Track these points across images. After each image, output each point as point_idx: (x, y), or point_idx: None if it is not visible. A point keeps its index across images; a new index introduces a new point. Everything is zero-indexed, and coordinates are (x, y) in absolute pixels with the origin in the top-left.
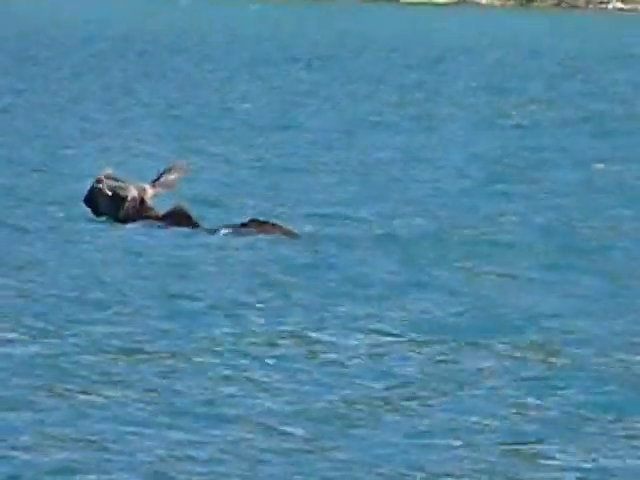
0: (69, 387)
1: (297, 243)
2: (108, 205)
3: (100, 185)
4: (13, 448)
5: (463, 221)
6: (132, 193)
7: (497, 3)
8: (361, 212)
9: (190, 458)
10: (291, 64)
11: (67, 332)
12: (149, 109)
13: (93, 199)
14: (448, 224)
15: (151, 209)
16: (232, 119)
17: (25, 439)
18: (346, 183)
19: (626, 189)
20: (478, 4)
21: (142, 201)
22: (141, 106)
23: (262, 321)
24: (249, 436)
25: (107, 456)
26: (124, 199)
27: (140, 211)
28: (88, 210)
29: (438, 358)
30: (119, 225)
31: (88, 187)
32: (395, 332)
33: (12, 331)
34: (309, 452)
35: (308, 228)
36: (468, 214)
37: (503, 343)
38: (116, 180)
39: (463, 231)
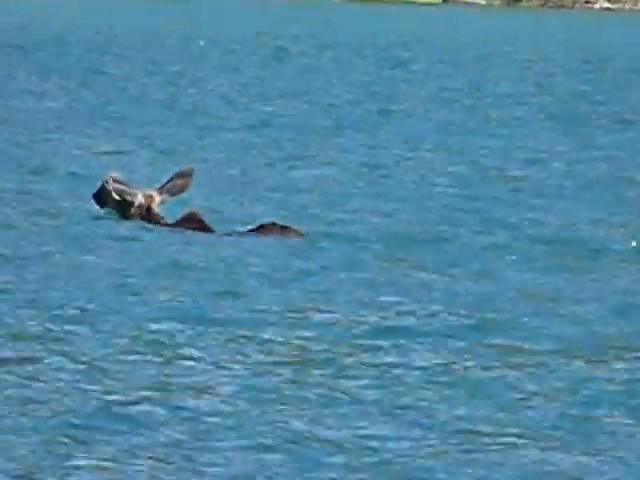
0: (91, 388)
1: (308, 245)
2: (115, 208)
3: (108, 187)
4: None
5: (459, 223)
6: (139, 199)
7: (483, 2)
8: (362, 212)
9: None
10: (268, 60)
11: (79, 337)
12: (140, 109)
13: (102, 199)
14: (445, 226)
15: (158, 216)
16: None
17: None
18: (343, 183)
19: (612, 188)
20: (464, 3)
21: (149, 208)
22: (133, 103)
23: (274, 328)
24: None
25: (159, 465)
26: (131, 205)
27: (146, 218)
28: (95, 209)
29: (440, 361)
30: (132, 227)
31: (97, 187)
32: (407, 336)
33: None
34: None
35: (317, 229)
36: (460, 216)
37: (502, 346)
38: (123, 184)
39: (460, 233)
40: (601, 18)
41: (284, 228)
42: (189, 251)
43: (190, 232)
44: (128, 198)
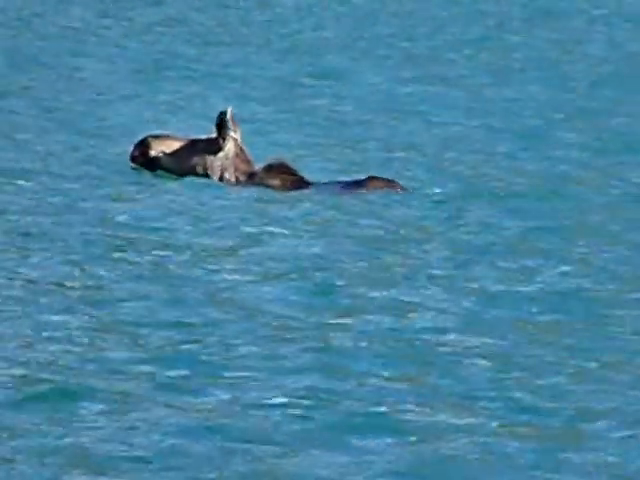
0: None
1: (410, 199)
2: (204, 150)
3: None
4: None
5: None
6: (236, 136)
7: None
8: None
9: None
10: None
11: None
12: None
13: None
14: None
15: (249, 157)
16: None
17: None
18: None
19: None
20: None
21: (242, 150)
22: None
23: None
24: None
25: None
26: (229, 140)
27: (241, 159)
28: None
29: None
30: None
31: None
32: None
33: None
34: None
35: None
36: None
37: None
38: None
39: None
40: None
41: (391, 182)
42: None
43: (281, 184)
44: (232, 134)
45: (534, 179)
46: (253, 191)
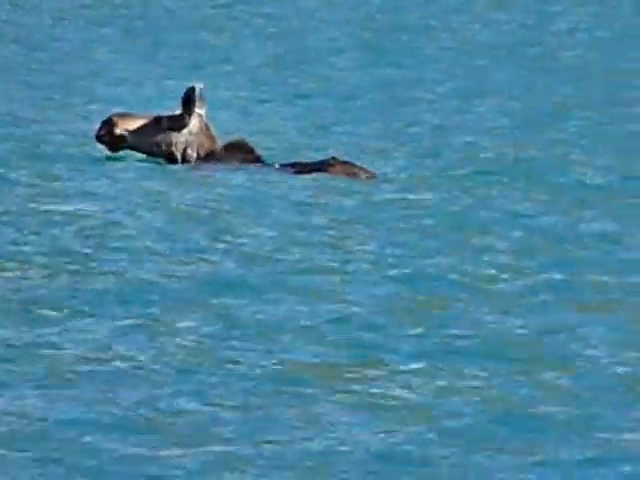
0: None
1: (375, 184)
2: (167, 128)
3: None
4: None
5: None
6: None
7: None
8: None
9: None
10: None
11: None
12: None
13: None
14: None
15: (215, 138)
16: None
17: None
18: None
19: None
20: None
21: (207, 126)
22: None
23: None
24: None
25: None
26: (194, 116)
27: (205, 137)
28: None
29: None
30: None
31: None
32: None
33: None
34: None
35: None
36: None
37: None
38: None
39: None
40: None
41: (353, 166)
42: (241, 187)
43: (240, 163)
44: (197, 110)
45: (502, 164)
46: (206, 169)
